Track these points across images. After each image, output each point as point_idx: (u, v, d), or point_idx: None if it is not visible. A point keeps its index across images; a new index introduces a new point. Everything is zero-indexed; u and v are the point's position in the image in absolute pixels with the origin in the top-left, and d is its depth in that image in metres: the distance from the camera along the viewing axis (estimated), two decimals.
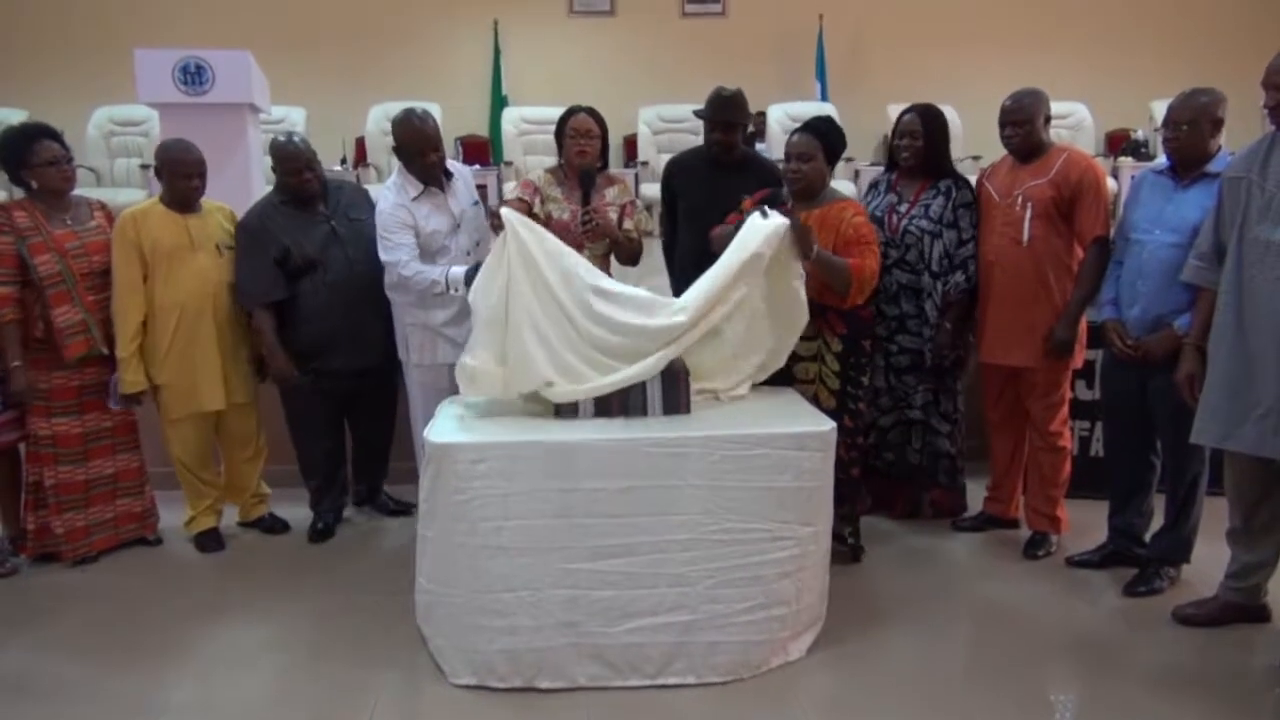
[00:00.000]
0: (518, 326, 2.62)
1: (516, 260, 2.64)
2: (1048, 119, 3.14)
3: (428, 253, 3.22)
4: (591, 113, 3.24)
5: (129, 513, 3.39)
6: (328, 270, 3.25)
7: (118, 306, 3.15)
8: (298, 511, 3.60)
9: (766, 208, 2.81)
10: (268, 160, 5.99)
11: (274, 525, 3.57)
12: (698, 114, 3.35)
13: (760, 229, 2.74)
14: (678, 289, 3.26)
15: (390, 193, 3.23)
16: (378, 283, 3.29)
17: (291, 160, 3.22)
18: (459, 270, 3.10)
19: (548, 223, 3.12)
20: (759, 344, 2.83)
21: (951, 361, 3.37)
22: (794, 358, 2.97)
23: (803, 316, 2.84)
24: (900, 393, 3.41)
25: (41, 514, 3.25)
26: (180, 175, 3.18)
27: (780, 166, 3.09)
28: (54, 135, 3.15)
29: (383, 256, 3.19)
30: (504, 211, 2.73)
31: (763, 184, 3.28)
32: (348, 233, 3.31)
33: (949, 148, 3.33)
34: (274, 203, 3.29)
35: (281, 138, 3.29)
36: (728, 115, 3.27)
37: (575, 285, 2.66)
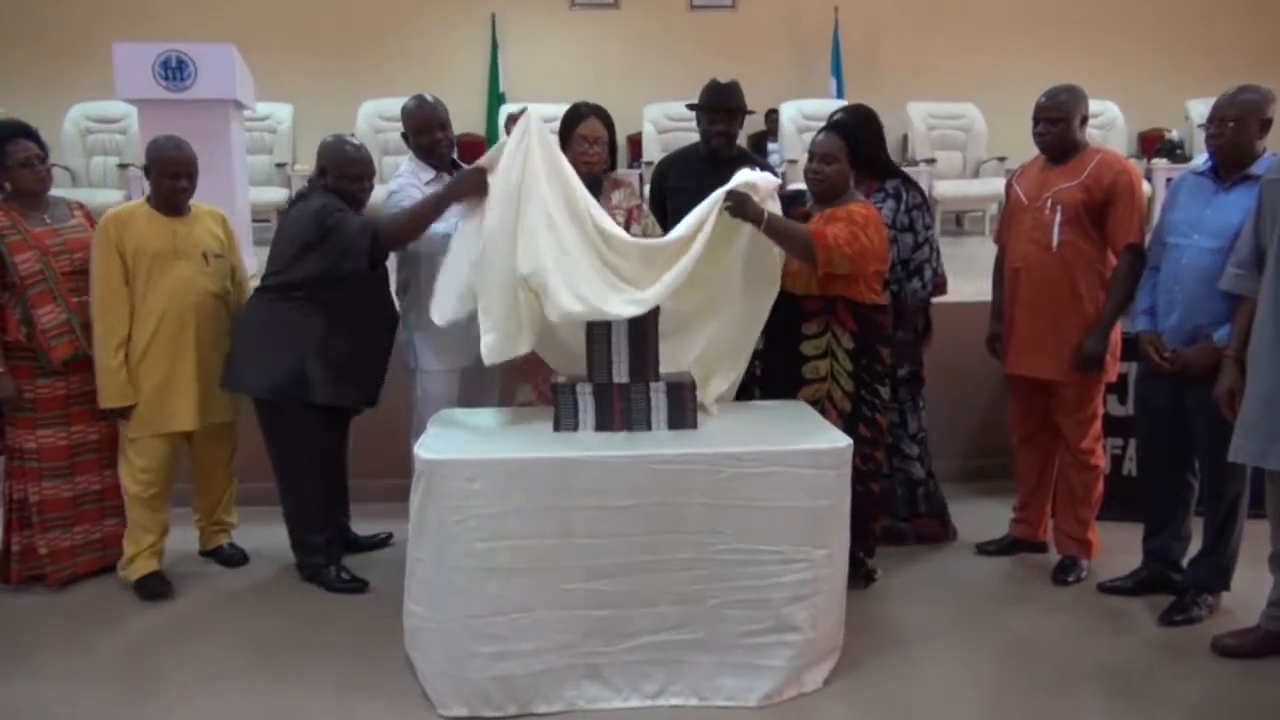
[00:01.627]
0: (533, 230, 2.64)
1: (539, 159, 2.70)
2: (1084, 119, 3.14)
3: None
4: (599, 114, 3.23)
5: (117, 534, 3.28)
6: (374, 282, 3.16)
7: (99, 311, 3.08)
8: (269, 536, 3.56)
9: (760, 174, 2.85)
10: (253, 160, 6.02)
11: (232, 556, 3.45)
12: (691, 107, 3.37)
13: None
14: None
15: (403, 175, 3.29)
16: (391, 311, 3.28)
17: (357, 165, 3.11)
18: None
19: None
20: (736, 328, 2.91)
21: (908, 375, 3.36)
22: (801, 358, 2.97)
23: (772, 289, 2.90)
24: None
25: (26, 534, 3.20)
26: (167, 175, 3.12)
27: (789, 168, 3.09)
28: (29, 134, 3.15)
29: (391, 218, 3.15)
30: (530, 111, 2.78)
31: None
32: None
33: (884, 148, 3.34)
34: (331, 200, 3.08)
35: (331, 139, 3.16)
36: (725, 103, 3.29)
37: (581, 205, 2.75)
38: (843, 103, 7.60)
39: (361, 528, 3.60)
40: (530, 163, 2.70)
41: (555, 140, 2.81)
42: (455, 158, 3.41)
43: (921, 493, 3.51)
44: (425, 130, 3.26)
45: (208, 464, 3.40)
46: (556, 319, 2.64)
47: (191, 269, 3.17)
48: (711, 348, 2.90)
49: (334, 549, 3.31)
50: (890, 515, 3.46)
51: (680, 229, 2.78)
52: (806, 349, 2.98)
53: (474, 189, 2.83)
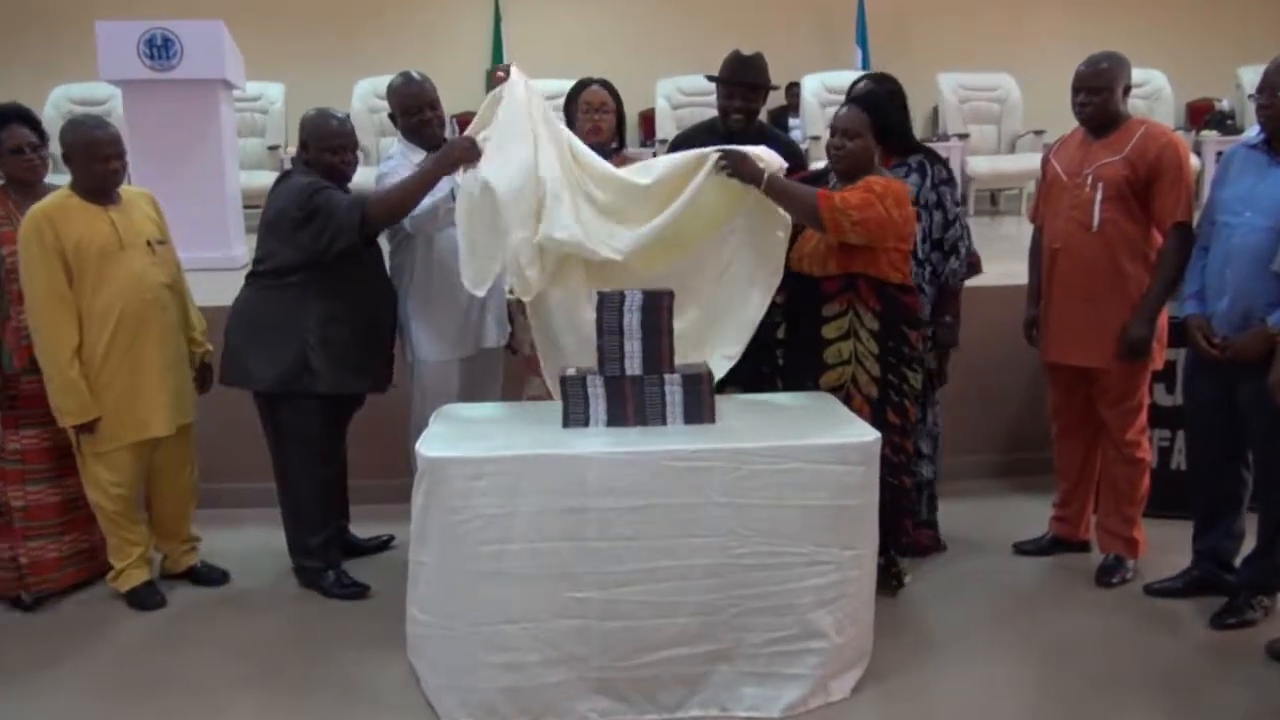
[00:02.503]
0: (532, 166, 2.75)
1: (538, 115, 2.80)
2: (1127, 88, 3.12)
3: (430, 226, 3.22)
4: (605, 85, 3.27)
5: (76, 552, 3.27)
6: (375, 260, 3.19)
7: (44, 321, 2.96)
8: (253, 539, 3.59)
9: (762, 149, 2.89)
10: (243, 143, 6.02)
11: (209, 576, 3.38)
12: (711, 78, 3.36)
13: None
14: None
15: (394, 156, 3.30)
16: (391, 292, 3.29)
17: (338, 137, 3.12)
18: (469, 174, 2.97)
19: None
20: (735, 302, 2.93)
21: (936, 366, 3.33)
22: (822, 340, 2.96)
23: (776, 273, 2.93)
24: None
25: (5, 545, 3.17)
26: (96, 158, 3.01)
27: (811, 144, 3.07)
28: (26, 118, 3.12)
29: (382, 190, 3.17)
30: (514, 70, 2.84)
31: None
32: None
33: (908, 121, 3.32)
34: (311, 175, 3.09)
35: (313, 112, 3.19)
36: (748, 77, 3.28)
37: (564, 139, 2.86)
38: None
39: (361, 530, 3.61)
40: (514, 110, 2.79)
41: (538, 94, 2.87)
42: (450, 136, 3.40)
43: (926, 496, 3.42)
44: (413, 109, 3.25)
45: (173, 471, 3.30)
46: (543, 239, 2.71)
47: (140, 261, 3.09)
48: (700, 321, 2.91)
49: (332, 552, 3.31)
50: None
51: (660, 169, 2.83)
52: (828, 331, 2.96)
53: (465, 155, 2.85)
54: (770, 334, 3.08)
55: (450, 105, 3.46)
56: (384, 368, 3.28)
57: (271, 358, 3.09)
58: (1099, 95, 3.07)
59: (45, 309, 2.97)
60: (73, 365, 2.99)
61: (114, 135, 3.08)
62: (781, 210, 2.88)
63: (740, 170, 2.80)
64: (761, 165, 2.82)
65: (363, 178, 3.39)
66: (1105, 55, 3.09)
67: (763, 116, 3.59)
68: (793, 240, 3.00)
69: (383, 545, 3.61)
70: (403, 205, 2.99)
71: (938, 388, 3.39)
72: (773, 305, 3.00)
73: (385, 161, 3.31)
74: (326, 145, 3.10)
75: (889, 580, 3.09)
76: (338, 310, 3.08)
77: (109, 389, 3.05)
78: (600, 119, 3.22)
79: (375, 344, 3.22)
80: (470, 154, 2.83)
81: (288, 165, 3.61)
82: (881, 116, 2.97)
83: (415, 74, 3.32)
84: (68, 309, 2.99)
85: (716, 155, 2.82)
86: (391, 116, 3.35)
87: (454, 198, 2.94)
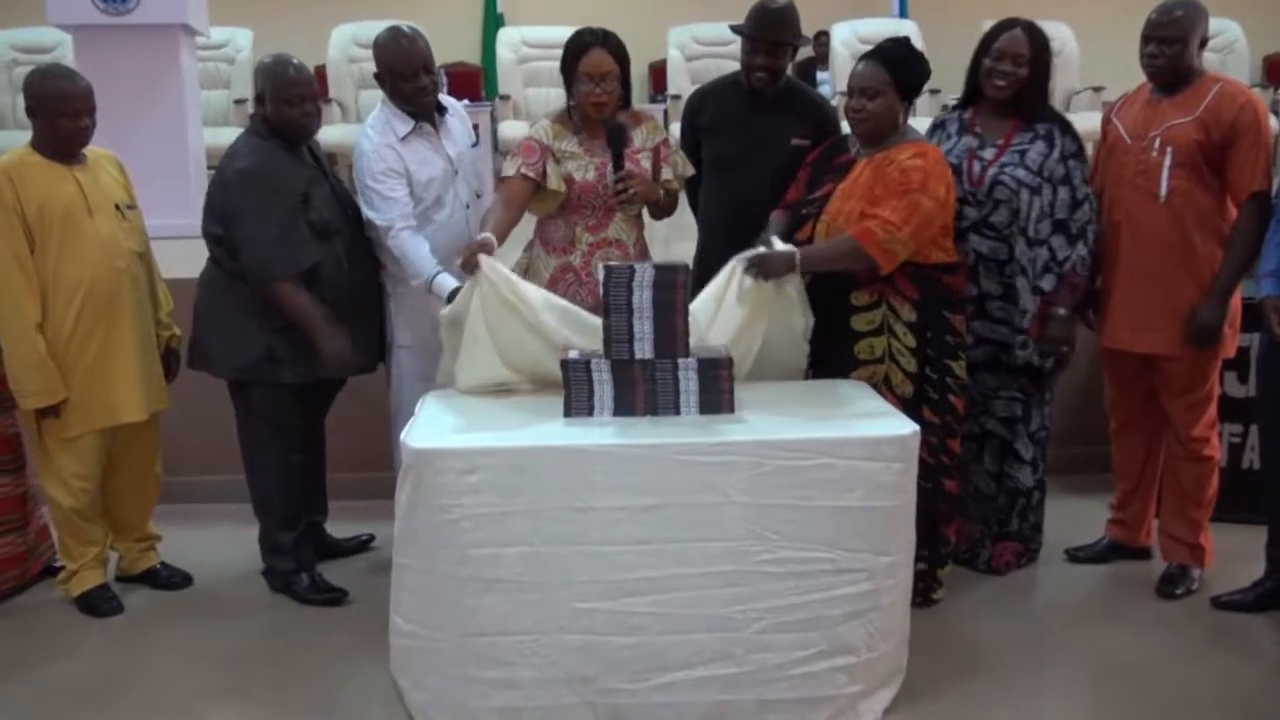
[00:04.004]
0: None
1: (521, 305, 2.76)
2: (1204, 41, 3.09)
3: (422, 206, 3.22)
4: (608, 44, 3.09)
5: (11, 556, 3.28)
6: (333, 243, 3.17)
7: (2, 290, 2.96)
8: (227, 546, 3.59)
9: (774, 239, 2.94)
10: (207, 95, 6.00)
11: (170, 579, 3.39)
12: (736, 30, 3.33)
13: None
14: (705, 257, 3.29)
15: (374, 133, 3.23)
16: (370, 263, 3.29)
17: (296, 86, 3.11)
18: (448, 281, 3.08)
19: (569, 186, 3.11)
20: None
21: (1055, 363, 3.30)
22: (854, 334, 2.96)
23: (799, 364, 3.02)
24: (975, 396, 3.29)
25: None
26: (66, 113, 2.99)
27: (843, 102, 3.05)
28: None
29: (368, 214, 3.19)
30: (484, 263, 2.78)
31: (812, 124, 3.26)
32: (341, 193, 3.29)
33: (1048, 83, 3.28)
34: (262, 144, 3.14)
35: (268, 59, 3.21)
36: (774, 34, 3.24)
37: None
38: (906, 23, 7.52)
39: (339, 530, 3.62)
40: (491, 310, 2.77)
41: (513, 284, 2.82)
42: (443, 98, 3.38)
43: (1021, 505, 3.38)
44: (407, 74, 3.18)
45: (137, 462, 3.31)
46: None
47: (110, 226, 3.10)
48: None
49: (305, 552, 3.32)
50: (982, 524, 3.38)
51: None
52: (858, 323, 2.96)
53: (333, 355, 3.06)
54: None
55: (438, 57, 3.41)
56: (366, 351, 3.28)
57: (237, 343, 3.11)
58: (1172, 47, 3.03)
59: (4, 275, 2.96)
60: (38, 340, 2.98)
61: (86, 88, 3.08)
62: (800, 306, 2.93)
63: (771, 269, 2.83)
64: (783, 247, 2.86)
65: (344, 134, 3.37)
66: (1180, 1, 3.06)
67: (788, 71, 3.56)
68: (816, 217, 3.00)
69: (362, 546, 3.62)
70: (296, 321, 3.06)
71: (1053, 387, 3.35)
72: None
73: (363, 137, 3.25)
74: (284, 96, 3.09)
75: (925, 591, 3.08)
76: (322, 283, 3.10)
77: (76, 368, 3.05)
78: (603, 91, 3.06)
79: (352, 328, 3.20)
80: (337, 357, 3.08)
81: None
82: (903, 72, 2.95)
83: (406, 29, 3.26)
84: (28, 277, 2.98)
85: (741, 267, 2.85)
86: (378, 77, 3.29)
87: (430, 289, 3.09)
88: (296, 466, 3.29)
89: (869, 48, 3.10)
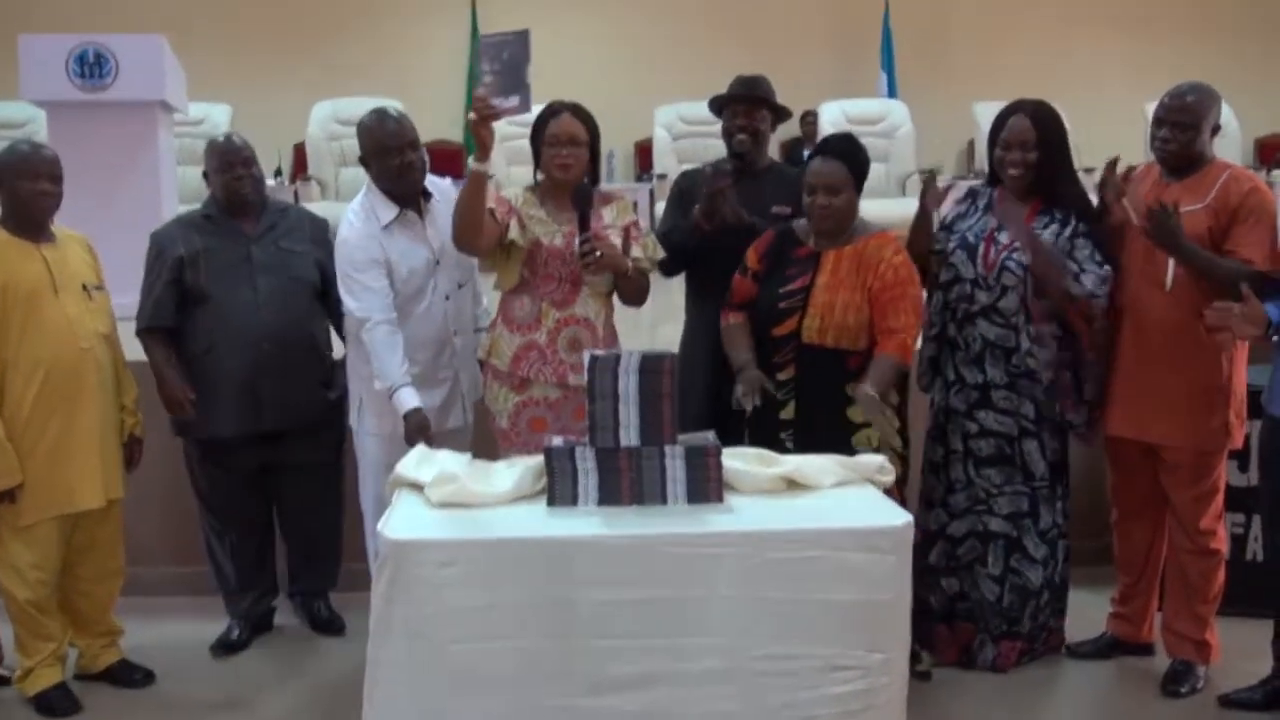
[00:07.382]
0: None
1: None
2: (1216, 128, 3.15)
3: (401, 298, 3.24)
4: (576, 112, 3.18)
5: None
6: (223, 308, 3.37)
7: None
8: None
9: (865, 387, 2.93)
10: (183, 172, 6.09)
11: (131, 677, 3.34)
12: (712, 102, 3.47)
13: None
14: (694, 324, 3.46)
15: (356, 220, 3.27)
16: (292, 330, 3.41)
17: (226, 154, 3.44)
18: (409, 399, 3.13)
19: (535, 251, 3.15)
20: None
21: (1083, 429, 3.29)
22: (848, 424, 3.07)
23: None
24: (978, 493, 3.31)
25: None
26: (25, 175, 3.04)
27: (804, 200, 3.11)
28: None
29: (348, 302, 3.23)
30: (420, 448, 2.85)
31: (787, 200, 3.32)
32: (268, 262, 3.40)
33: (1069, 159, 3.31)
34: (198, 214, 3.56)
35: (220, 137, 3.57)
36: (748, 90, 3.40)
37: None
38: (894, 102, 7.69)
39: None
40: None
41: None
42: (430, 182, 3.43)
43: (1032, 606, 3.34)
44: (392, 150, 3.24)
45: (100, 552, 3.27)
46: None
47: (76, 305, 3.13)
48: None
49: (241, 603, 3.55)
50: (985, 628, 3.35)
51: None
52: (855, 414, 3.02)
53: (169, 401, 3.40)
54: (773, 414, 3.09)
55: (422, 132, 3.48)
56: (296, 405, 3.43)
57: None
58: (1185, 133, 3.07)
59: None
60: None
61: (50, 155, 3.17)
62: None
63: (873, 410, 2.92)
64: (868, 389, 2.91)
65: (323, 212, 3.43)
66: (1194, 87, 3.10)
67: (775, 151, 3.67)
68: (802, 310, 3.06)
69: (337, 626, 3.66)
70: (159, 386, 3.39)
71: (1060, 485, 3.35)
72: (777, 382, 3.09)
73: (344, 224, 3.29)
74: (219, 167, 3.46)
75: (912, 675, 3.05)
76: (201, 344, 3.40)
77: (34, 452, 3.05)
78: (569, 155, 3.13)
79: (265, 376, 3.36)
80: None
81: None
82: (860, 167, 3.09)
83: (391, 110, 3.37)
84: None
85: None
86: (363, 160, 3.34)
87: (390, 398, 3.16)
88: (218, 534, 3.54)
89: (858, 128, 3.23)
